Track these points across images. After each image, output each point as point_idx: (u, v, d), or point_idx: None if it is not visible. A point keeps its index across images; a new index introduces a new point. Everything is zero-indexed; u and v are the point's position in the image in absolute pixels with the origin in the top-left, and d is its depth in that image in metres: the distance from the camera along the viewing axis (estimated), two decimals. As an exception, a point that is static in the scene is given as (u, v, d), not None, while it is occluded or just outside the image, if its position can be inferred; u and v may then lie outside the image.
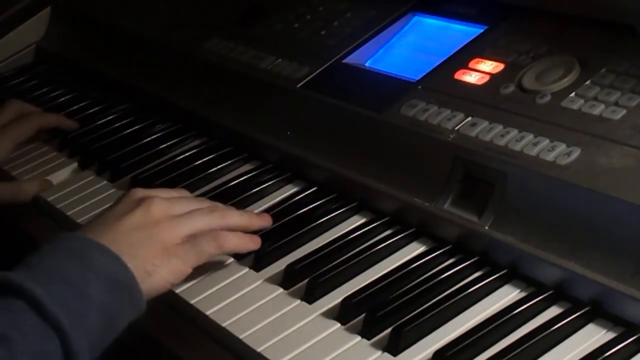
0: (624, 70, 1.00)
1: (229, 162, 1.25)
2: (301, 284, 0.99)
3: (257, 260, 1.03)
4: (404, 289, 0.94)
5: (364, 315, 0.92)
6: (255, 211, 1.11)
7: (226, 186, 1.19)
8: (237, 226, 1.02)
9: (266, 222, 1.06)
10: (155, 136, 1.36)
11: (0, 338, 0.77)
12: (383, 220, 1.06)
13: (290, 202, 1.14)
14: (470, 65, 1.12)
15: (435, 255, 0.99)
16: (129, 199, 0.97)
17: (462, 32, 1.19)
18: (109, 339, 0.86)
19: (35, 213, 1.26)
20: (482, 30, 1.17)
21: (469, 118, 1.04)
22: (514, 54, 1.10)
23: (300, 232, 1.06)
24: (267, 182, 1.18)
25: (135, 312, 0.89)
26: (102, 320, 0.84)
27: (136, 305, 0.89)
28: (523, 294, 0.92)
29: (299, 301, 0.97)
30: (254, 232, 1.04)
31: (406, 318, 0.90)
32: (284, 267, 1.01)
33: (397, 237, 1.03)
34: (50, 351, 0.79)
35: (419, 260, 0.99)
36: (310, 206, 1.11)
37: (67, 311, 0.81)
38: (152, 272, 0.91)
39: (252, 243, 1.02)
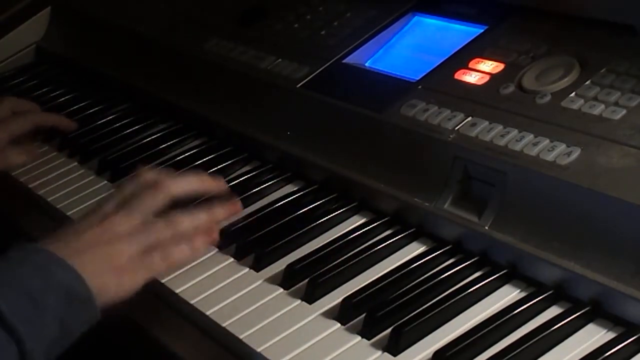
0: (624, 70, 1.00)
1: (229, 162, 1.25)
2: (301, 284, 0.99)
3: (257, 260, 1.03)
4: (404, 289, 0.94)
5: (364, 315, 0.92)
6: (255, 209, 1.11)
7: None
8: (195, 229, 1.03)
9: (219, 185, 1.08)
10: (155, 136, 1.36)
11: None
12: (383, 220, 1.06)
13: (290, 202, 1.14)
14: (470, 65, 1.12)
15: (435, 255, 0.99)
16: (92, 215, 1.01)
17: (462, 32, 1.19)
18: (64, 346, 0.92)
19: (34, 213, 1.26)
20: (482, 30, 1.17)
21: (469, 118, 1.04)
22: (514, 54, 1.10)
23: (300, 232, 1.06)
24: (267, 182, 1.18)
25: (90, 322, 0.94)
26: (58, 331, 0.90)
27: (91, 317, 0.93)
28: (523, 294, 0.92)
29: (299, 301, 0.97)
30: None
31: (406, 318, 0.90)
32: (284, 267, 1.01)
33: (397, 237, 1.03)
34: (7, 357, 0.85)
35: (419, 260, 0.99)
36: (310, 206, 1.11)
37: (25, 323, 0.87)
38: (102, 289, 0.94)
39: (203, 247, 1.03)
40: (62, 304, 0.90)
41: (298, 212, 1.10)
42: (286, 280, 1.00)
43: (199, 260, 1.05)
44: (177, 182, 1.06)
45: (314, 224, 1.08)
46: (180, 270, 1.04)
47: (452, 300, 0.92)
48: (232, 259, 1.05)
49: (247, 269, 1.03)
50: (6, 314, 0.86)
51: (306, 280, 0.98)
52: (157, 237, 1.01)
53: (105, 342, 1.12)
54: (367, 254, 1.01)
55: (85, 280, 0.92)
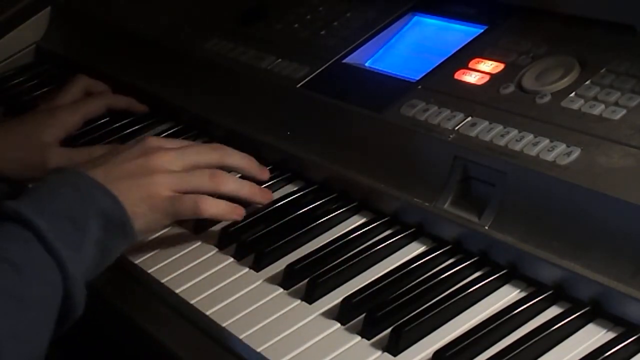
0: (624, 70, 1.01)
1: (229, 162, 1.25)
2: (301, 284, 0.99)
3: (257, 260, 1.03)
4: (404, 289, 0.94)
5: (364, 315, 0.92)
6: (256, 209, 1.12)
7: (226, 186, 1.19)
8: (233, 194, 1.07)
9: (266, 199, 1.11)
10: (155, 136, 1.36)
11: (11, 264, 0.86)
12: (383, 220, 1.06)
13: (290, 202, 1.14)
14: (470, 65, 1.12)
15: (435, 255, 0.99)
16: (140, 146, 1.05)
17: (462, 32, 1.19)
18: (102, 268, 0.96)
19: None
20: (482, 30, 1.17)
21: (469, 118, 1.04)
22: (514, 54, 1.10)
23: (300, 232, 1.06)
24: (267, 182, 1.18)
25: (126, 245, 0.98)
26: (97, 254, 0.94)
27: (128, 241, 0.98)
28: (523, 294, 0.92)
29: (299, 301, 0.97)
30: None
31: (406, 318, 0.90)
32: (284, 267, 1.01)
33: (397, 237, 1.03)
34: (51, 278, 0.88)
35: (419, 260, 0.99)
36: (310, 206, 1.11)
37: (67, 246, 0.90)
38: (134, 218, 0.98)
39: (234, 214, 1.06)
40: (101, 229, 0.94)
41: (298, 212, 1.10)
42: (286, 280, 1.00)
43: (198, 260, 1.05)
44: (233, 154, 1.11)
45: (314, 224, 1.08)
46: (180, 270, 1.04)
47: (452, 300, 0.92)
48: (232, 259, 1.05)
49: (247, 269, 1.03)
50: (50, 238, 0.89)
51: (306, 280, 0.98)
52: (198, 185, 1.04)
53: (104, 342, 1.12)
54: (367, 254, 1.01)
55: (123, 206, 0.96)
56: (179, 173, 1.04)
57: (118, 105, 1.41)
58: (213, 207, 1.04)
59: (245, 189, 1.08)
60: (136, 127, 1.40)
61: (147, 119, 1.41)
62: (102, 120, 1.43)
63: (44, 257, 0.88)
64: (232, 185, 1.07)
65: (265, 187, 1.17)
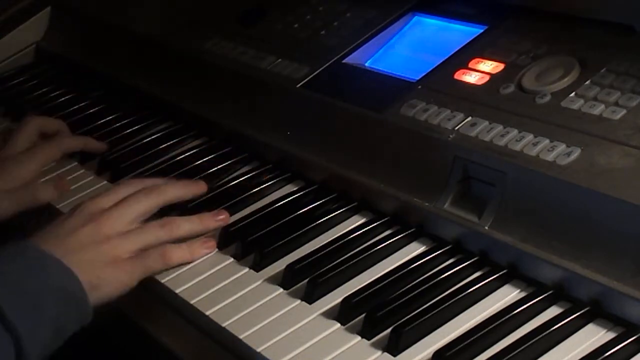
0: (624, 70, 1.00)
1: (229, 162, 1.25)
2: (301, 284, 0.99)
3: (257, 260, 1.03)
4: (404, 289, 0.94)
5: (364, 315, 0.92)
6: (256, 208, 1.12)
7: (226, 186, 1.19)
8: (189, 234, 1.06)
9: (200, 188, 1.12)
10: (155, 136, 1.36)
11: None
12: (383, 220, 1.06)
13: (290, 202, 1.14)
14: (470, 65, 1.12)
15: (435, 255, 0.99)
16: (82, 213, 1.03)
17: (462, 32, 1.19)
18: (54, 347, 0.93)
19: (33, 211, 1.25)
20: (482, 30, 1.17)
21: (469, 118, 1.04)
22: (514, 54, 1.10)
23: (300, 232, 1.06)
24: (267, 182, 1.18)
25: (82, 322, 0.95)
26: (52, 332, 0.91)
27: (83, 317, 0.95)
28: (523, 294, 0.92)
29: (299, 301, 0.97)
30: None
31: (406, 318, 0.90)
32: (284, 267, 1.01)
33: (397, 237, 1.03)
34: (4, 353, 0.86)
35: (419, 260, 0.99)
36: (310, 206, 1.11)
37: (23, 321, 0.87)
38: (98, 285, 0.96)
39: (201, 251, 1.05)
40: (58, 305, 0.91)
41: (298, 212, 1.10)
42: (286, 280, 1.00)
43: (198, 261, 1.05)
44: (167, 188, 1.09)
45: (314, 224, 1.08)
46: (180, 270, 1.04)
47: (452, 300, 0.92)
48: (232, 259, 1.05)
49: (247, 269, 1.03)
50: (7, 313, 0.86)
51: (306, 280, 0.98)
52: (154, 237, 1.03)
53: (104, 342, 1.12)
54: (367, 254, 1.01)
55: (79, 280, 0.94)
56: (131, 232, 1.02)
57: (74, 148, 1.33)
58: (178, 253, 1.03)
59: (196, 224, 1.07)
60: (136, 127, 1.40)
61: (147, 119, 1.41)
62: (102, 121, 1.44)
63: (0, 332, 0.86)
64: (185, 226, 1.06)
65: (265, 186, 1.17)
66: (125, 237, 1.02)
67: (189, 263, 1.05)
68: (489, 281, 0.94)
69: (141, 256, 1.01)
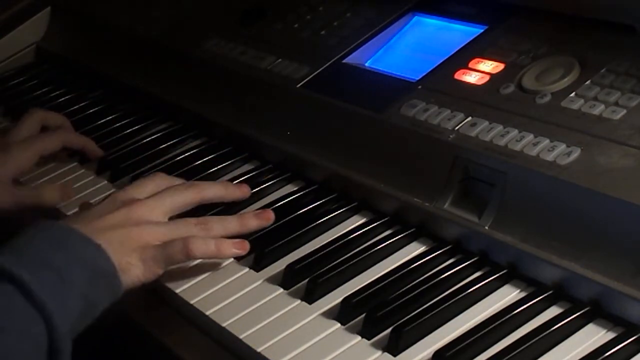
0: (624, 70, 1.01)
1: (229, 162, 1.25)
2: (301, 284, 0.99)
3: (257, 260, 1.03)
4: (404, 289, 0.94)
5: (364, 315, 0.92)
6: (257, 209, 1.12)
7: (226, 186, 1.19)
8: (225, 234, 1.03)
9: (265, 220, 1.06)
10: (155, 136, 1.36)
11: None
12: (383, 220, 1.06)
13: (290, 202, 1.14)
14: (470, 65, 1.12)
15: (435, 255, 0.99)
16: (114, 200, 1.01)
17: (462, 32, 1.19)
18: (86, 322, 0.91)
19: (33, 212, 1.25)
20: (482, 30, 1.17)
21: (469, 118, 1.04)
22: (514, 54, 1.10)
23: (300, 232, 1.06)
24: (267, 182, 1.18)
25: (113, 297, 0.93)
26: (82, 305, 0.89)
27: (114, 294, 0.93)
28: (523, 294, 0.92)
29: (299, 301, 0.97)
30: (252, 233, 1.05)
31: (406, 318, 0.90)
32: (284, 267, 1.01)
33: (397, 237, 1.03)
34: (36, 333, 0.84)
35: (419, 260, 0.99)
36: (310, 206, 1.11)
37: (52, 297, 0.85)
38: (126, 269, 0.95)
39: (229, 250, 1.02)
40: (86, 279, 0.89)
41: (298, 212, 1.10)
42: (286, 280, 1.00)
43: (198, 261, 1.05)
44: (207, 186, 1.07)
45: (314, 224, 1.08)
46: (180, 270, 1.04)
47: (452, 300, 0.92)
48: (232, 259, 1.05)
49: (247, 269, 1.03)
50: (34, 289, 0.84)
51: (306, 280, 0.98)
52: (185, 232, 1.00)
53: (104, 342, 1.12)
54: (367, 254, 1.01)
55: (108, 255, 0.92)
56: (165, 224, 1.01)
57: (73, 145, 1.33)
58: (203, 247, 0.99)
59: (234, 224, 1.04)
60: (136, 127, 1.40)
61: (147, 119, 1.41)
62: (102, 121, 1.44)
63: (29, 310, 0.84)
64: (219, 227, 1.03)
65: (265, 186, 1.17)
66: (156, 225, 1.00)
67: (192, 262, 1.03)
68: (489, 281, 0.94)
69: (167, 244, 0.98)
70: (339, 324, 0.93)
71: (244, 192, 1.12)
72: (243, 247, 1.02)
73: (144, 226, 0.98)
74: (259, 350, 0.91)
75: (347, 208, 1.10)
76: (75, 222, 0.96)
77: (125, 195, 1.03)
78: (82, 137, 1.35)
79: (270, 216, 1.06)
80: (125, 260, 0.95)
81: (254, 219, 1.06)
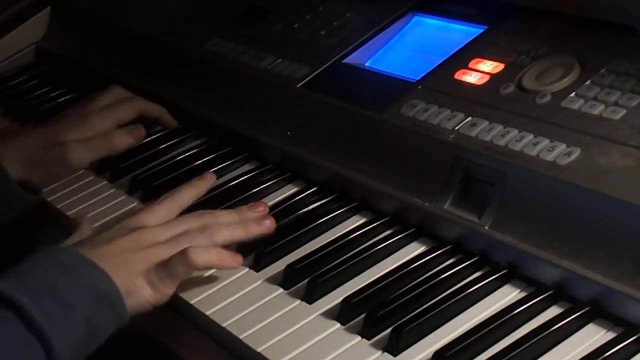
0: (624, 70, 1.01)
1: (229, 162, 1.25)
2: (301, 284, 0.99)
3: (257, 260, 1.03)
4: (404, 289, 0.94)
5: (364, 315, 0.92)
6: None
7: (226, 186, 1.19)
8: (231, 240, 1.02)
9: (265, 228, 1.04)
10: (155, 136, 1.36)
11: None
12: (383, 220, 1.06)
13: (290, 202, 1.14)
14: (470, 65, 1.12)
15: (435, 255, 0.99)
16: (123, 227, 1.00)
17: (462, 32, 1.19)
18: (91, 348, 0.90)
19: (42, 220, 1.25)
20: (482, 30, 1.17)
21: (469, 118, 1.04)
22: (514, 54, 1.10)
23: (300, 232, 1.06)
24: (267, 182, 1.18)
25: (118, 324, 0.92)
26: (84, 330, 0.88)
27: (119, 318, 0.92)
28: (523, 294, 0.92)
29: (299, 301, 0.97)
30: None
31: (406, 318, 0.90)
32: (284, 267, 1.01)
33: (397, 237, 1.03)
34: (34, 355, 0.84)
35: (419, 260, 0.99)
36: (311, 206, 1.11)
37: (51, 321, 0.85)
38: (132, 292, 0.94)
39: (230, 261, 1.01)
40: (89, 304, 0.89)
41: (298, 212, 1.10)
42: (286, 280, 1.00)
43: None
44: (219, 215, 1.04)
45: (314, 223, 1.08)
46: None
47: (452, 300, 0.92)
48: (232, 259, 1.05)
49: (247, 269, 1.03)
50: (34, 315, 0.84)
51: (306, 280, 0.98)
52: (191, 245, 0.99)
53: (104, 342, 1.12)
54: (367, 254, 1.01)
55: (113, 280, 0.91)
56: (169, 241, 0.99)
57: (150, 113, 1.34)
58: (204, 256, 0.97)
59: (238, 230, 1.03)
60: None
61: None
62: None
63: (27, 335, 0.84)
64: (226, 232, 1.02)
65: (265, 186, 1.17)
66: (163, 246, 0.98)
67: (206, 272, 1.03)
68: (489, 281, 0.94)
69: (167, 262, 0.97)
70: (339, 324, 0.93)
71: (259, 209, 1.07)
72: (238, 262, 1.01)
73: (151, 249, 0.97)
74: (259, 350, 0.91)
75: (347, 208, 1.10)
76: (82, 246, 0.96)
77: (134, 222, 1.02)
78: (159, 106, 1.35)
79: (271, 226, 1.05)
80: (132, 284, 0.94)
81: (257, 227, 1.04)
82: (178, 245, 0.98)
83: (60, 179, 1.24)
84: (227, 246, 1.02)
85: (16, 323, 0.84)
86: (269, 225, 1.05)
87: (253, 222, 1.04)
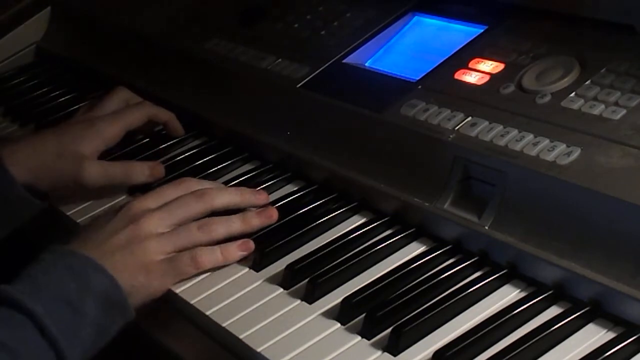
0: (624, 70, 1.01)
1: (229, 162, 1.25)
2: (301, 284, 0.99)
3: (257, 260, 1.03)
4: (404, 289, 0.94)
5: (364, 315, 0.92)
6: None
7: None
8: (229, 235, 1.04)
9: (259, 199, 1.09)
10: (155, 136, 1.36)
11: (7, 350, 0.85)
12: (383, 220, 1.06)
13: (290, 202, 1.14)
14: (470, 65, 1.12)
15: (435, 255, 0.99)
16: (125, 214, 1.02)
17: (462, 32, 1.19)
18: (99, 347, 0.94)
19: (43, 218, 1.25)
20: (482, 30, 1.17)
21: (469, 118, 1.04)
22: (514, 54, 1.10)
23: (301, 232, 1.06)
24: (267, 182, 1.18)
25: (124, 323, 0.96)
26: (95, 334, 0.92)
27: (125, 318, 0.96)
28: (523, 294, 0.92)
29: (299, 301, 0.97)
30: (255, 233, 1.05)
31: (406, 318, 0.90)
32: (284, 267, 1.01)
33: (397, 237, 1.03)
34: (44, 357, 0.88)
35: (419, 260, 0.99)
36: (311, 206, 1.11)
37: (64, 331, 0.89)
38: (132, 292, 0.97)
39: (235, 254, 1.03)
40: (99, 310, 0.92)
41: (298, 212, 1.10)
42: (286, 280, 1.00)
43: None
44: (220, 194, 1.07)
45: (314, 224, 1.08)
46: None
47: (452, 300, 0.92)
48: (232, 259, 1.05)
49: (247, 269, 1.03)
50: (47, 324, 0.88)
51: (306, 280, 0.98)
52: (190, 241, 1.02)
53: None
54: (367, 254, 1.01)
55: (120, 284, 0.94)
56: (168, 234, 1.01)
57: (160, 118, 1.32)
58: (211, 257, 1.01)
59: (236, 225, 1.04)
60: (136, 127, 1.40)
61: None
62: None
63: (41, 343, 0.87)
64: (222, 229, 1.03)
65: (265, 186, 1.17)
66: (159, 239, 1.00)
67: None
68: (489, 281, 0.94)
69: (174, 259, 1.00)
70: (339, 324, 0.93)
71: (259, 198, 1.11)
72: (248, 248, 1.03)
73: (146, 243, 0.99)
74: (259, 350, 0.91)
75: (347, 208, 1.10)
76: (84, 244, 0.98)
77: (138, 205, 1.03)
78: (168, 112, 1.33)
79: (273, 214, 1.07)
80: (131, 284, 0.96)
81: (257, 218, 1.06)
82: (175, 242, 1.01)
83: (68, 191, 1.22)
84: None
85: (31, 330, 0.87)
86: (271, 214, 1.07)
87: (254, 214, 1.06)
